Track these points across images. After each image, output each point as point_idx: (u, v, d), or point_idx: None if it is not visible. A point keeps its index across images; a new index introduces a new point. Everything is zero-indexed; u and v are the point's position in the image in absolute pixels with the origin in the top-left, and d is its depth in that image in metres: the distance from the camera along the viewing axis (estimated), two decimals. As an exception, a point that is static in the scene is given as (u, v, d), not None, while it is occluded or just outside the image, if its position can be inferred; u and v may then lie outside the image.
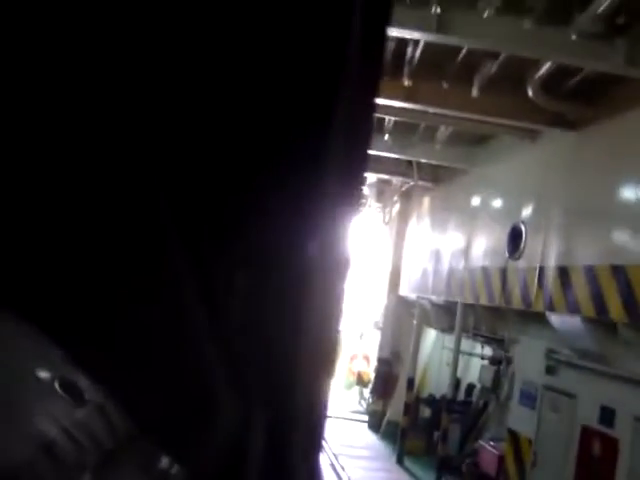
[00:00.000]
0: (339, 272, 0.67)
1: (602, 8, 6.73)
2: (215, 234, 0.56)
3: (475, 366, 15.49)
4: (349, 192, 0.66)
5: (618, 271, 8.17)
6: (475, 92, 9.41)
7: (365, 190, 19.92)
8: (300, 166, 0.59)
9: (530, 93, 8.71)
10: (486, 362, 13.99)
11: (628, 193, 8.38)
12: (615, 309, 8.17)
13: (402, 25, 6.99)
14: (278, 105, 0.58)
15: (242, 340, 0.58)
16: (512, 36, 7.30)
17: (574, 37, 7.17)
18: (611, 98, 8.69)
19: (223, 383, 0.55)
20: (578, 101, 9.02)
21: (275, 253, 0.59)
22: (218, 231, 0.56)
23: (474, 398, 15.51)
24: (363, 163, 0.68)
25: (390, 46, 8.63)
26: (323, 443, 0.75)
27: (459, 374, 16.43)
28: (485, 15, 7.19)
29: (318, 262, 0.62)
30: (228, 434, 0.56)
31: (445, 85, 9.62)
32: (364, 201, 20.51)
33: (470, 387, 16.32)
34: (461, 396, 15.96)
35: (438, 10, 7.10)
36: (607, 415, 8.88)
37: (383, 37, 0.68)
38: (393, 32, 7.15)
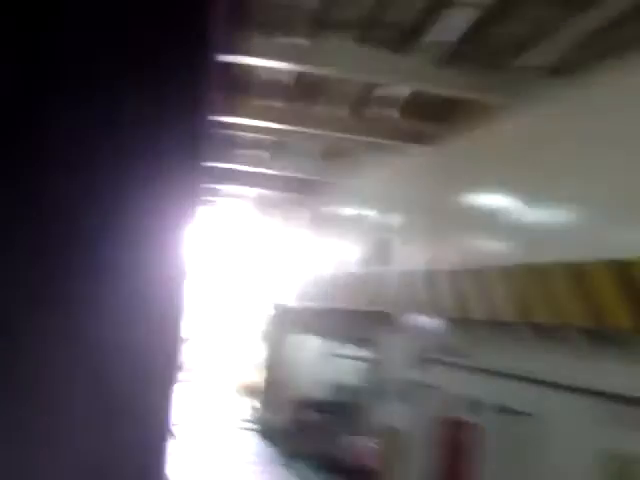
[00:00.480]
0: (176, 284, 0.67)
1: (445, 39, 7.58)
2: (38, 250, 0.56)
3: (354, 368, 16.31)
4: (183, 203, 0.66)
5: (475, 274, 9.05)
6: (342, 113, 10.15)
7: (247, 204, 20.53)
8: (134, 179, 0.60)
9: (390, 113, 9.52)
10: (363, 363, 14.81)
11: (479, 201, 9.30)
12: (474, 308, 9.03)
13: (265, 55, 7.66)
14: (109, 142, 0.59)
15: (71, 359, 0.57)
16: (366, 65, 8.08)
17: (422, 65, 8.01)
18: (462, 117, 9.63)
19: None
20: (433, 120, 9.91)
21: (111, 267, 0.59)
22: (41, 248, 0.56)
23: (354, 398, 16.33)
24: (197, 178, 0.68)
25: (264, 72, 9.26)
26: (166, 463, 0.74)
27: (339, 376, 17.20)
28: (342, 45, 7.92)
29: (153, 275, 0.63)
30: None
31: (317, 107, 10.34)
32: (244, 214, 21.03)
33: (350, 388, 17.15)
34: (342, 397, 16.76)
35: (299, 41, 7.78)
36: (470, 405, 9.77)
37: (209, 61, 0.72)
38: (259, 61, 7.82)
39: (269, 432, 19.17)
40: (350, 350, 16.04)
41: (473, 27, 7.14)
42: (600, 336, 6.88)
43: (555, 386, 7.84)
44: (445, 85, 8.20)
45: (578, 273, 6.94)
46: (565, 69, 7.52)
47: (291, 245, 18.87)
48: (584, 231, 7.25)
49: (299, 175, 14.62)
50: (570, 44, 7.04)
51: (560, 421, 7.72)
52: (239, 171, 14.65)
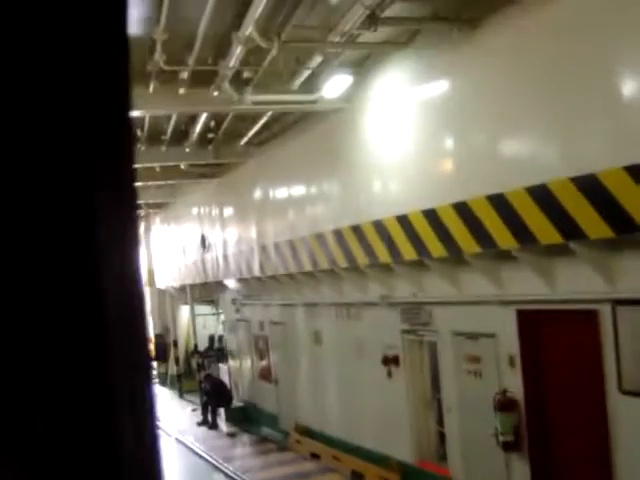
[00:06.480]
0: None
1: (229, 72, 9.53)
2: None
3: (215, 321, 23.19)
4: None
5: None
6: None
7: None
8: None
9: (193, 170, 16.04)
10: (216, 317, 21.55)
11: (268, 196, 16.06)
12: (247, 271, 15.80)
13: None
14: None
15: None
16: (171, 100, 10.51)
17: (216, 93, 10.34)
18: (221, 166, 16.33)
19: None
20: (213, 169, 16.59)
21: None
22: None
23: (220, 341, 22.94)
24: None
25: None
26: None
27: (212, 330, 23.55)
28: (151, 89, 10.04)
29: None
30: None
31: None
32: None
33: (221, 337, 23.53)
34: (214, 343, 23.36)
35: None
36: (262, 325, 16.71)
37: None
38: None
39: (167, 379, 25.46)
40: (209, 310, 22.85)
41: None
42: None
43: (293, 305, 14.75)
44: (232, 105, 10.66)
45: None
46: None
47: (154, 243, 25.31)
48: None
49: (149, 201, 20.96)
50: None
51: (296, 323, 14.74)
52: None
